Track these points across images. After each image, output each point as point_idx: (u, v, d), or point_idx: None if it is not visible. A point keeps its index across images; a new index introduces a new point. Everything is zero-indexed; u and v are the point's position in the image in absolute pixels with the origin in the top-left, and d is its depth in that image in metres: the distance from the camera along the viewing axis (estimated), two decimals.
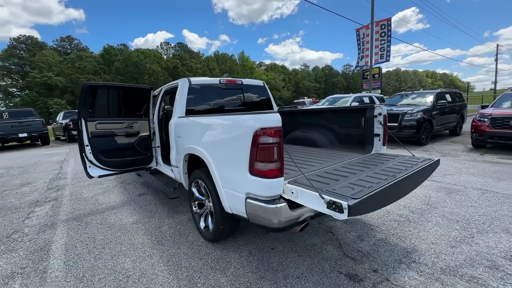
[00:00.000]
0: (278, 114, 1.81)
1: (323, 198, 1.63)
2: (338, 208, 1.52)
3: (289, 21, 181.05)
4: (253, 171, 1.92)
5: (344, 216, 1.50)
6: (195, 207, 3.00)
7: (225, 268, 2.29)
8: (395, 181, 1.93)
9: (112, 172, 3.85)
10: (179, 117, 3.31)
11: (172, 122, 3.36)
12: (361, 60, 14.90)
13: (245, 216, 2.12)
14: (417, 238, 2.63)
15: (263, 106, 4.25)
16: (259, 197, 1.94)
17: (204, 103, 3.65)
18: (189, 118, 2.96)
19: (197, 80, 3.54)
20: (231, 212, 2.28)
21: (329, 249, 2.52)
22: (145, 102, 4.12)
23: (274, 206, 1.82)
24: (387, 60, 14.37)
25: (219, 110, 3.72)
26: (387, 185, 1.84)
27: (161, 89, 4.32)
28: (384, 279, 2.06)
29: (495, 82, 40.23)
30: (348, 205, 1.47)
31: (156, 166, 4.35)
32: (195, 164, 2.94)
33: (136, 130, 4.02)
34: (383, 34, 14.33)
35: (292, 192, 1.89)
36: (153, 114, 4.26)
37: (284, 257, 2.43)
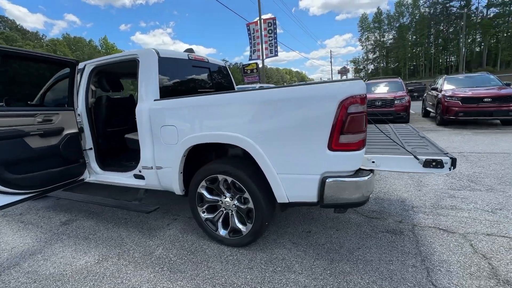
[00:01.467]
0: (361, 80, 1.69)
1: (418, 159, 1.71)
2: (439, 164, 1.64)
3: (157, 9, 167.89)
4: (336, 145, 1.72)
5: (445, 170, 1.64)
6: (204, 212, 2.36)
7: (290, 267, 1.97)
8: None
9: (24, 197, 2.36)
10: (155, 100, 2.43)
11: (144, 109, 2.43)
12: (253, 54, 16.16)
13: (313, 200, 1.89)
14: (397, 190, 3.25)
15: (228, 88, 3.80)
16: (341, 173, 1.78)
17: (175, 83, 2.85)
18: (198, 98, 2.21)
19: (166, 52, 2.69)
20: (287, 201, 1.96)
21: (353, 217, 2.68)
22: (67, 83, 2.73)
23: (365, 178, 1.73)
24: (276, 55, 16.34)
25: (191, 91, 3.01)
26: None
27: (84, 66, 2.99)
28: (412, 225, 2.42)
29: (331, 78, 54.43)
30: (451, 158, 1.62)
31: (90, 177, 3.04)
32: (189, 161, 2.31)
33: (57, 126, 2.61)
34: (270, 31, 16.09)
35: (373, 162, 1.85)
36: (78, 102, 2.91)
37: (327, 235, 2.36)
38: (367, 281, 1.77)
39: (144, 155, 2.53)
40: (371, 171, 1.82)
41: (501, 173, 3.58)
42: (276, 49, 16.07)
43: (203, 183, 2.27)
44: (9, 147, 2.19)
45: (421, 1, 59.05)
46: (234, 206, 2.22)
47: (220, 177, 2.17)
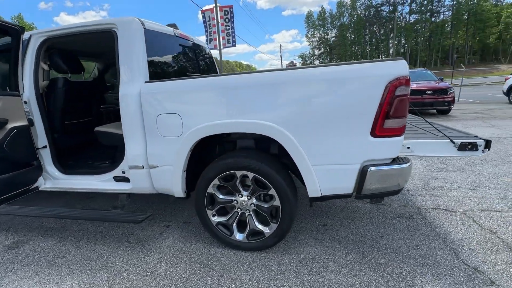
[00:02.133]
0: (404, 60, 1.58)
1: (454, 142, 1.70)
2: (474, 147, 1.66)
3: None
4: (379, 131, 1.59)
5: (479, 153, 1.66)
6: (215, 215, 2.01)
7: (325, 267, 1.80)
8: None
9: None
10: (146, 82, 1.93)
11: (132, 93, 1.91)
12: (210, 43, 15.29)
13: (348, 191, 1.75)
14: None
15: (212, 72, 3.37)
16: (381, 161, 1.66)
17: (163, 63, 2.34)
18: (215, 79, 1.81)
19: (150, 24, 2.16)
20: (319, 195, 1.78)
21: (360, 205, 2.66)
22: (8, 60, 1.99)
23: (408, 165, 1.65)
24: (234, 45, 15.82)
25: (180, 74, 2.54)
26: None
27: (30, 37, 2.24)
28: (417, 208, 2.51)
29: None
30: (486, 140, 1.64)
31: (46, 184, 2.35)
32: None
33: None
34: (227, 20, 15.44)
35: (408, 147, 1.78)
36: (24, 86, 2.17)
37: (345, 226, 2.27)
38: (407, 270, 1.72)
39: (131, 152, 2.02)
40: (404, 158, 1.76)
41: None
42: (234, 39, 15.56)
43: (216, 181, 1.91)
44: None
45: (358, 3, 65.07)
46: (252, 205, 1.93)
47: (239, 173, 1.85)
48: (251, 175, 1.83)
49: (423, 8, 57.58)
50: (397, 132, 1.61)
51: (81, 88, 2.68)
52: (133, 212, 2.19)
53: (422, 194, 2.82)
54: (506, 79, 10.67)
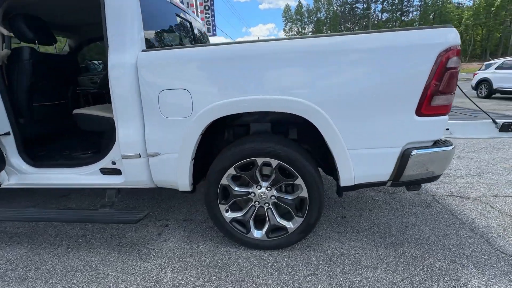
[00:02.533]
0: (454, 28, 1.39)
1: (496, 123, 1.57)
2: None
3: None
4: (426, 109, 1.40)
5: None
6: (228, 211, 1.73)
7: (358, 263, 1.61)
8: None
9: None
10: (143, 51, 1.56)
11: (125, 63, 1.54)
12: None
13: (385, 178, 1.57)
14: None
15: None
16: (423, 144, 1.48)
17: (160, 32, 1.96)
18: (232, 46, 1.48)
19: None
20: (352, 184, 1.57)
21: (372, 194, 2.52)
22: None
23: (451, 147, 1.48)
24: (214, 34, 15.16)
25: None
26: None
27: None
28: (431, 196, 2.43)
29: None
30: None
31: (9, 180, 1.90)
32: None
33: None
34: (207, 8, 14.70)
35: (447, 129, 1.63)
36: None
37: (365, 218, 2.11)
38: (446, 262, 1.59)
39: (125, 138, 1.65)
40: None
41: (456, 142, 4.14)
42: (214, 28, 14.85)
43: (231, 170, 1.62)
44: None
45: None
46: (272, 198, 1.68)
47: (260, 160, 1.58)
48: (274, 162, 1.57)
49: (394, 7, 60.27)
50: (444, 110, 1.44)
51: (54, 63, 2.20)
52: (126, 211, 1.83)
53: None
54: (474, 75, 11.40)
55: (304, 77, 1.42)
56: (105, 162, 1.79)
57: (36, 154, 2.03)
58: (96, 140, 1.97)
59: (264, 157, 1.56)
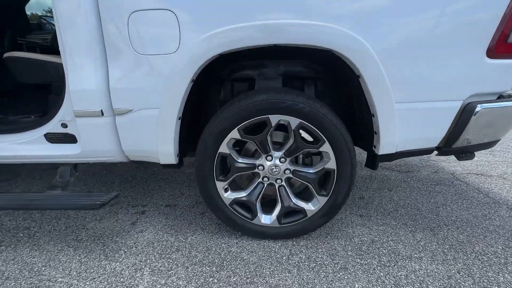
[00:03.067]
0: None
1: None
2: None
3: None
4: (501, 48, 1.05)
5: None
6: (227, 190, 1.30)
7: (396, 252, 1.26)
8: None
9: None
10: None
11: None
12: None
13: (433, 144, 1.23)
14: None
15: None
16: (489, 96, 1.14)
17: None
18: None
19: None
20: (393, 151, 1.20)
21: (386, 174, 2.21)
22: None
23: None
24: None
25: None
26: None
27: None
28: (451, 174, 2.16)
29: None
30: None
31: None
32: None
33: None
34: None
35: None
36: None
37: (387, 198, 1.78)
38: (501, 247, 1.29)
39: (77, 84, 1.14)
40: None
41: None
42: None
43: (234, 133, 1.18)
44: None
45: None
46: (287, 171, 1.27)
47: (275, 119, 1.15)
48: (294, 121, 1.15)
49: None
50: None
51: None
52: (85, 193, 1.34)
53: (443, 159, 2.51)
54: None
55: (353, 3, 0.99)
56: (52, 125, 1.27)
57: None
58: (39, 98, 1.42)
59: (280, 114, 1.13)
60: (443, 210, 1.63)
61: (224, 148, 1.21)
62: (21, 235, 1.45)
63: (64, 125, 1.26)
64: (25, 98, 1.84)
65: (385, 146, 1.18)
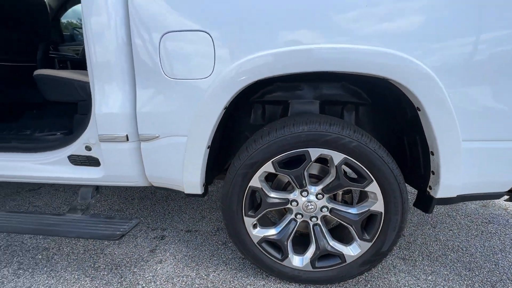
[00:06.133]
0: None
1: None
2: None
3: None
4: None
5: None
6: (256, 226, 1.17)
7: None
8: None
9: None
10: None
11: None
12: None
13: (503, 189, 1.03)
14: None
15: None
16: None
17: None
18: None
19: None
20: (453, 195, 1.02)
21: None
22: None
23: None
24: None
25: None
26: None
27: None
28: (503, 209, 1.90)
29: None
30: None
31: None
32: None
33: None
34: None
35: None
36: None
37: (433, 238, 1.56)
38: None
39: (104, 108, 1.07)
40: None
41: None
42: None
43: (268, 167, 1.05)
44: None
45: None
46: (324, 209, 1.12)
47: (315, 153, 1.01)
48: (337, 156, 1.01)
49: None
50: None
51: (13, 3, 1.58)
52: (105, 218, 1.27)
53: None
54: None
55: (421, 19, 0.85)
56: (76, 147, 1.21)
57: None
58: (67, 117, 1.38)
59: (322, 148, 1.00)
60: (503, 258, 1.40)
61: (255, 182, 1.08)
62: (40, 257, 1.40)
63: (88, 148, 1.20)
64: (52, 111, 1.83)
65: (444, 188, 1.00)
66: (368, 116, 1.30)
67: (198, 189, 1.15)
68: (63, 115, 1.71)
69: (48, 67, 1.98)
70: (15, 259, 1.38)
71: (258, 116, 1.37)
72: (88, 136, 1.18)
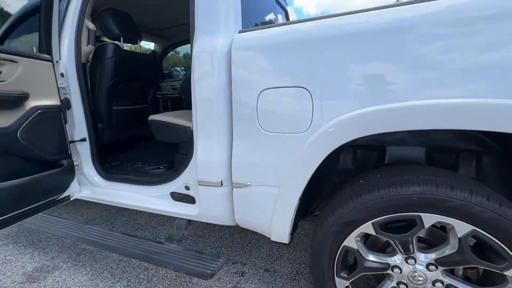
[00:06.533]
0: None
1: None
2: None
3: None
4: None
5: None
6: None
7: None
8: None
9: None
10: (240, 32, 1.08)
11: (215, 50, 1.07)
12: None
13: None
14: None
15: None
16: None
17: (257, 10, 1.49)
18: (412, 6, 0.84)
19: None
20: None
21: None
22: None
23: None
24: None
25: None
26: None
27: None
28: None
29: None
30: None
31: (81, 192, 1.68)
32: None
33: (14, 87, 1.21)
34: None
35: None
36: (60, 49, 1.52)
37: None
38: None
39: (203, 157, 1.18)
40: None
41: None
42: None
43: (367, 227, 0.94)
44: None
45: None
46: (439, 285, 0.92)
47: (430, 220, 0.85)
48: (462, 227, 0.82)
49: None
50: None
51: (136, 62, 1.98)
52: (196, 253, 1.38)
53: None
54: None
55: None
56: (177, 185, 1.37)
57: (109, 164, 1.80)
58: (171, 154, 1.59)
59: (441, 214, 0.83)
60: None
61: (350, 242, 0.98)
62: (142, 276, 1.60)
63: (187, 188, 1.33)
64: (157, 143, 2.16)
65: None
66: (495, 168, 1.04)
67: (285, 239, 1.12)
68: (166, 148, 1.99)
69: (155, 106, 2.37)
70: (125, 275, 1.62)
71: (347, 161, 1.27)
72: (187, 178, 1.31)
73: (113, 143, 1.94)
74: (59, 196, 1.49)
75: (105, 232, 1.64)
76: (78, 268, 1.70)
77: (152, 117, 1.62)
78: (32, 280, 1.60)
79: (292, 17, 2.29)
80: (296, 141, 0.96)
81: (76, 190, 1.65)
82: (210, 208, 1.27)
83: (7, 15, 1.79)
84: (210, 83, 1.10)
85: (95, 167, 1.68)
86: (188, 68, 4.18)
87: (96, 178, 1.68)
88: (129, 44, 2.31)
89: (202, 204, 1.27)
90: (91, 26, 1.63)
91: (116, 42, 1.82)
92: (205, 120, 1.16)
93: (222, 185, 1.17)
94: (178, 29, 2.89)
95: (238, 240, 1.93)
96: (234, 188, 1.16)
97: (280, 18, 1.93)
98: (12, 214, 1.22)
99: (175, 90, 3.35)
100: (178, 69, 4.06)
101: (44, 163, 1.35)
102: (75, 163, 1.60)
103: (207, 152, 1.16)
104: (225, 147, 1.13)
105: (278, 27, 1.00)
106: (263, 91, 0.99)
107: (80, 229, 1.70)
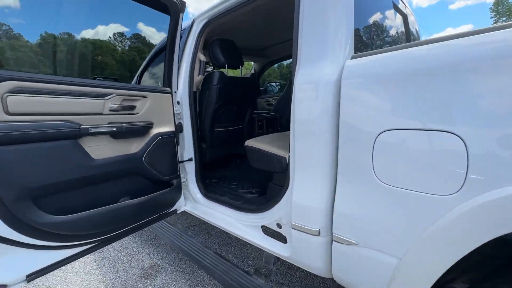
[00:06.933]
0: None
1: None
2: None
3: None
4: None
5: None
6: None
7: None
8: None
9: (71, 253, 1.23)
10: (353, 57, 0.90)
11: (321, 80, 0.93)
12: None
13: None
14: None
15: None
16: None
17: (373, 28, 1.27)
18: None
19: None
20: None
21: None
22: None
23: None
24: None
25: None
26: None
27: (193, 23, 1.79)
28: None
29: None
30: None
31: (186, 206, 1.85)
32: None
33: (143, 119, 1.45)
34: None
35: None
36: (177, 81, 1.73)
37: None
38: None
39: (300, 198, 1.04)
40: None
41: None
42: None
43: None
44: (46, 160, 1.07)
45: None
46: None
47: None
48: None
49: None
50: None
51: (236, 86, 2.08)
52: None
53: None
54: None
55: None
56: (269, 221, 1.28)
57: (209, 181, 1.93)
58: (265, 174, 1.54)
59: None
60: None
61: None
62: None
63: (279, 226, 1.23)
64: (247, 168, 2.19)
65: None
66: None
67: None
68: (258, 172, 1.99)
69: (251, 125, 2.43)
70: None
71: None
72: (280, 215, 1.21)
73: (213, 161, 2.09)
74: (169, 210, 1.69)
75: (201, 248, 1.75)
76: (179, 274, 1.88)
77: (248, 142, 1.63)
78: (146, 276, 1.88)
79: (411, 19, 1.88)
80: (435, 205, 0.68)
81: (182, 204, 1.84)
82: (303, 254, 1.11)
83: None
84: (312, 118, 0.96)
85: (198, 185, 1.83)
86: (282, 81, 4.21)
87: (198, 195, 1.82)
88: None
89: (295, 248, 1.13)
90: (202, 57, 1.80)
91: (221, 69, 1.96)
92: (303, 155, 1.01)
93: (319, 234, 1.00)
94: (278, 47, 2.92)
95: (331, 284, 1.68)
96: (334, 242, 0.96)
97: (400, 25, 1.59)
98: (137, 224, 1.45)
99: (270, 105, 3.40)
100: (274, 84, 4.13)
101: (158, 182, 1.55)
102: (182, 180, 1.78)
103: (304, 195, 1.02)
104: (326, 191, 0.95)
105: (407, 49, 0.75)
106: (383, 132, 0.76)
107: (182, 238, 1.88)
